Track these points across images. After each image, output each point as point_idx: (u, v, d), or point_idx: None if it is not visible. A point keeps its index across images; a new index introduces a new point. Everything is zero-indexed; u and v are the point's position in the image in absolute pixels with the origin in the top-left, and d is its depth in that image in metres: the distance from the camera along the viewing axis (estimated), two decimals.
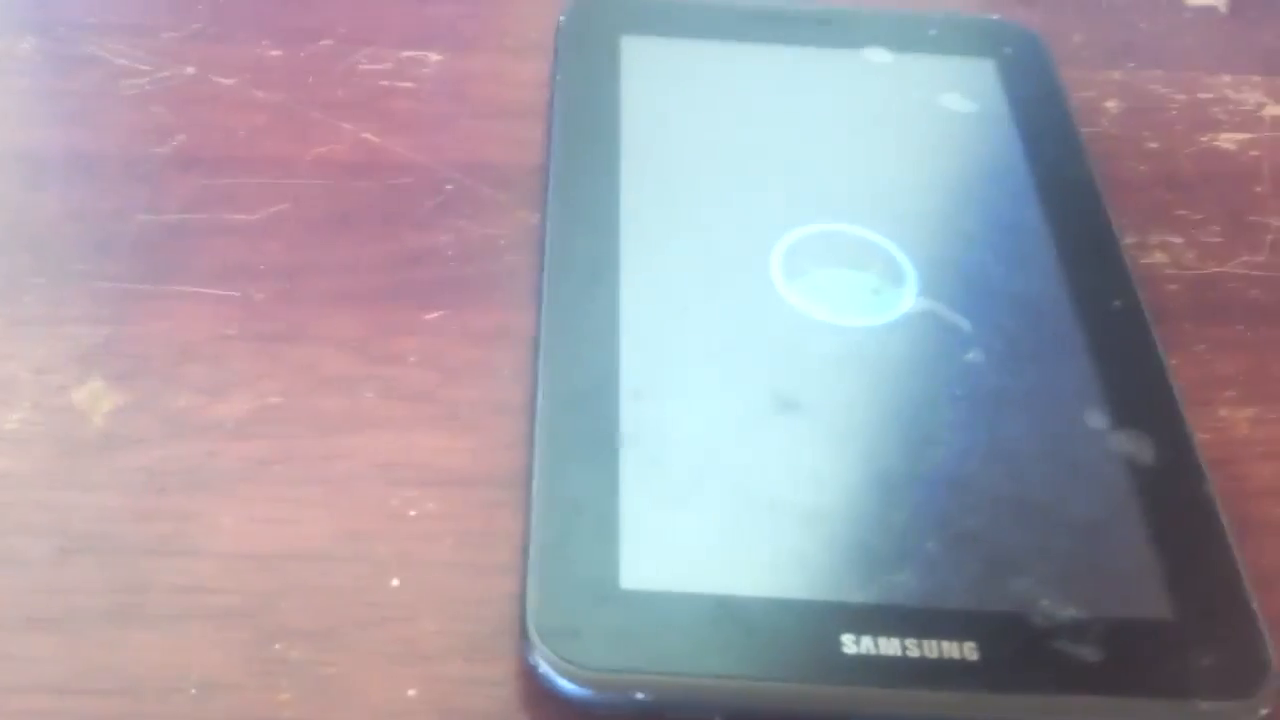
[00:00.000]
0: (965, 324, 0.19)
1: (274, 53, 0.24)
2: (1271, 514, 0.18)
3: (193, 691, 0.15)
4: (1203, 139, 0.25)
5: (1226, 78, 0.26)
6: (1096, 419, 0.17)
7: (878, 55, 0.24)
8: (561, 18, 0.24)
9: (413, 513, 0.17)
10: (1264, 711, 0.14)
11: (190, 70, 0.24)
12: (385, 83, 0.24)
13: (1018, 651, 0.15)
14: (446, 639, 0.16)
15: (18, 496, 0.17)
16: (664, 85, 0.23)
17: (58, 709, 0.15)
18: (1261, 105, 0.26)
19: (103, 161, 0.22)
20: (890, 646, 0.14)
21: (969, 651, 0.15)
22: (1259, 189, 0.24)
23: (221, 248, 0.21)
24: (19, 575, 0.16)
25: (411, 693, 0.15)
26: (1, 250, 0.20)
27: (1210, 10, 0.28)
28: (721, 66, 0.24)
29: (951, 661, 0.14)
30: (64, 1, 0.25)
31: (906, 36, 0.25)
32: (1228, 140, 0.25)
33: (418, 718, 0.15)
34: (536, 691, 0.15)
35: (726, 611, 0.15)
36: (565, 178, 0.21)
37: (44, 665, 0.15)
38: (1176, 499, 0.17)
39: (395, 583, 0.16)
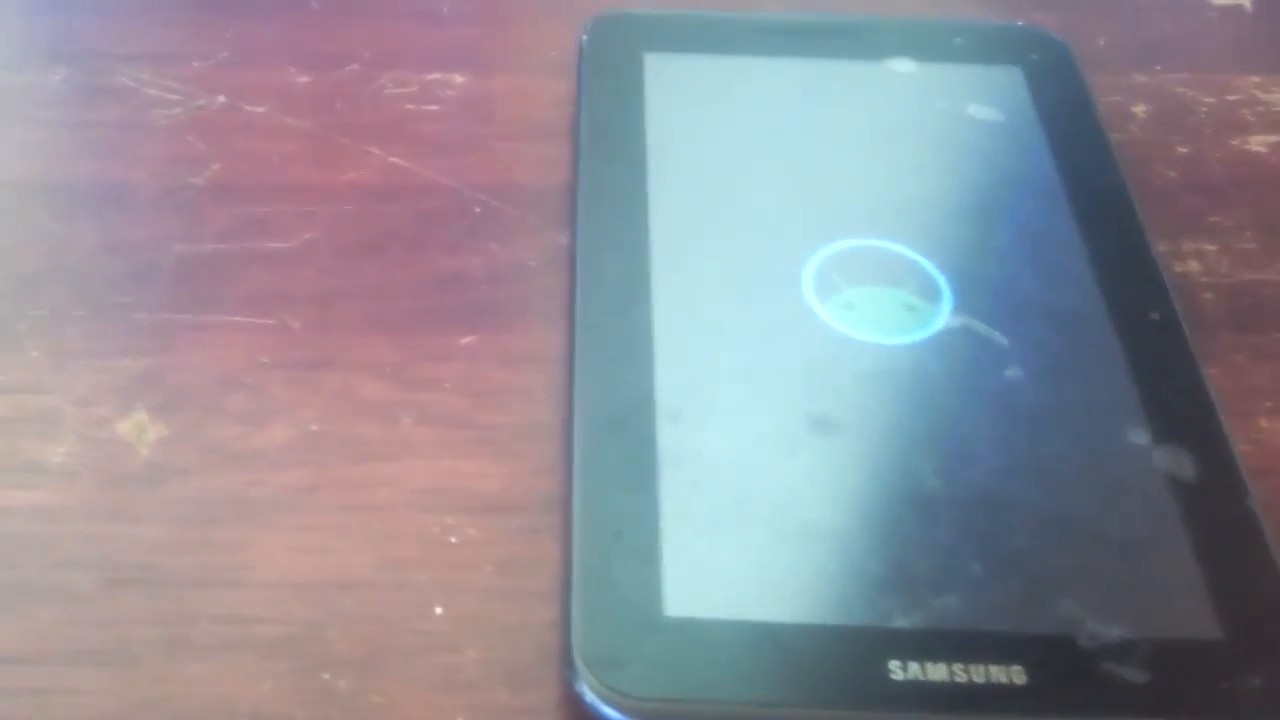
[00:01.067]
0: (1002, 339, 0.19)
1: (301, 79, 0.25)
2: None
3: None
4: (1233, 142, 0.24)
5: (1255, 78, 0.26)
6: (1137, 434, 0.17)
7: (902, 65, 0.24)
8: (584, 36, 0.24)
9: (453, 539, 0.17)
10: None
11: (221, 99, 0.24)
12: (411, 106, 0.24)
13: (1065, 674, 0.15)
14: (490, 667, 0.16)
15: (64, 530, 0.17)
16: (689, 102, 0.23)
17: None
18: None
19: (137, 192, 0.22)
20: (938, 672, 0.14)
21: (1016, 675, 0.14)
22: None
23: (257, 276, 0.21)
24: (68, 609, 0.16)
25: None
26: (40, 283, 0.20)
27: (1237, 9, 0.28)
28: (746, 81, 0.24)
29: (999, 686, 0.14)
30: (92, 32, 0.25)
31: (931, 46, 0.24)
32: (1259, 143, 0.25)
33: None
34: (582, 719, 0.15)
35: (771, 638, 0.15)
36: (593, 198, 0.21)
37: (97, 698, 0.15)
38: (1220, 514, 0.16)
39: (438, 610, 0.17)
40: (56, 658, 0.16)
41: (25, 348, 0.19)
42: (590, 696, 0.15)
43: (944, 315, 0.19)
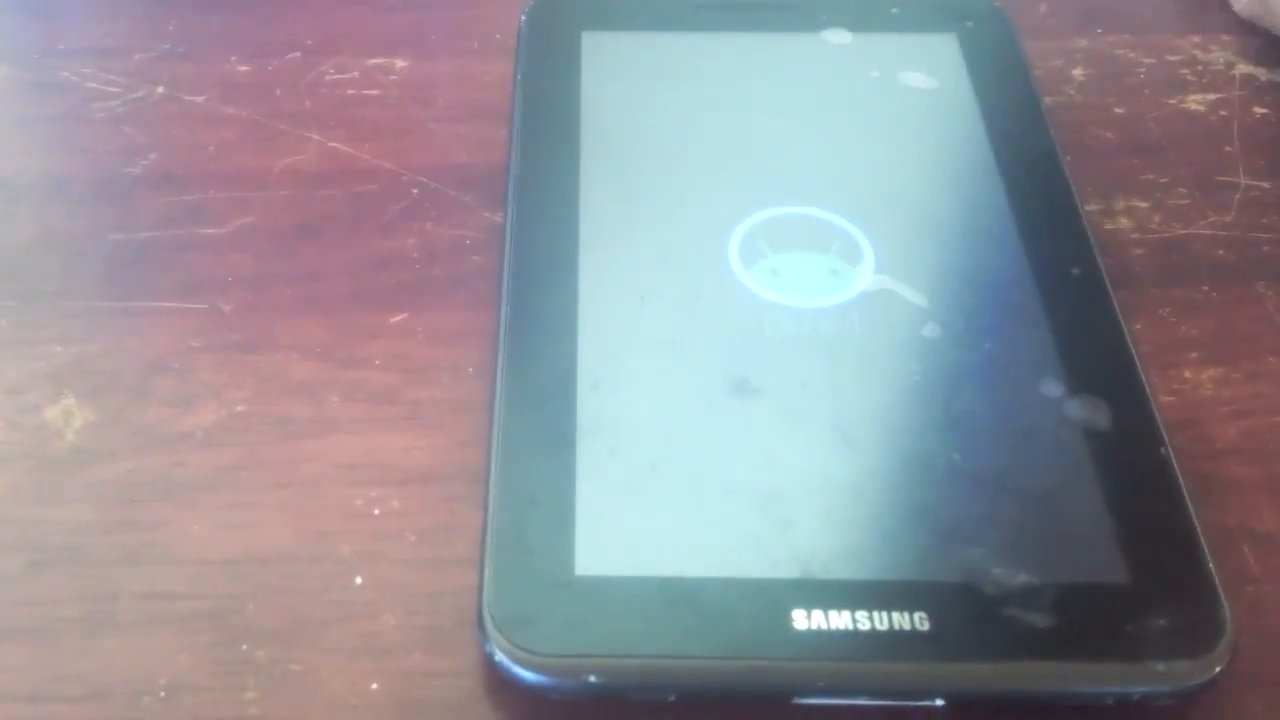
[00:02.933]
0: (921, 299, 0.19)
1: (242, 68, 0.25)
2: (1235, 473, 0.18)
3: (161, 694, 0.15)
4: (1171, 101, 0.24)
5: (1196, 38, 0.26)
6: (1052, 387, 0.17)
7: (837, 37, 0.24)
8: (522, 16, 0.24)
9: (376, 511, 0.17)
10: (1218, 669, 0.14)
11: (160, 90, 0.24)
12: (352, 91, 0.24)
13: (970, 619, 0.15)
14: (408, 633, 0.16)
15: None
16: (625, 78, 0.23)
17: (31, 715, 0.15)
18: (1232, 64, 0.25)
19: (75, 184, 0.22)
20: (840, 620, 0.15)
21: (920, 621, 0.14)
22: (1229, 149, 0.23)
23: (190, 263, 0.21)
24: None
25: (374, 686, 0.16)
26: None
27: None
28: (683, 57, 0.24)
29: (902, 633, 0.14)
30: (34, 30, 0.25)
31: (867, 16, 0.24)
32: (1197, 101, 0.24)
33: (379, 711, 0.15)
34: (496, 680, 0.15)
35: (678, 593, 0.15)
36: (525, 175, 0.21)
37: (14, 675, 0.16)
38: (1133, 463, 0.16)
39: (358, 580, 0.17)
40: None
41: None
42: (499, 655, 0.15)
43: (865, 278, 0.19)
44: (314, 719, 0.15)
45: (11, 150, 0.23)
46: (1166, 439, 0.17)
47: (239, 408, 0.19)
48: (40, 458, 0.18)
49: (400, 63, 0.25)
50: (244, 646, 0.16)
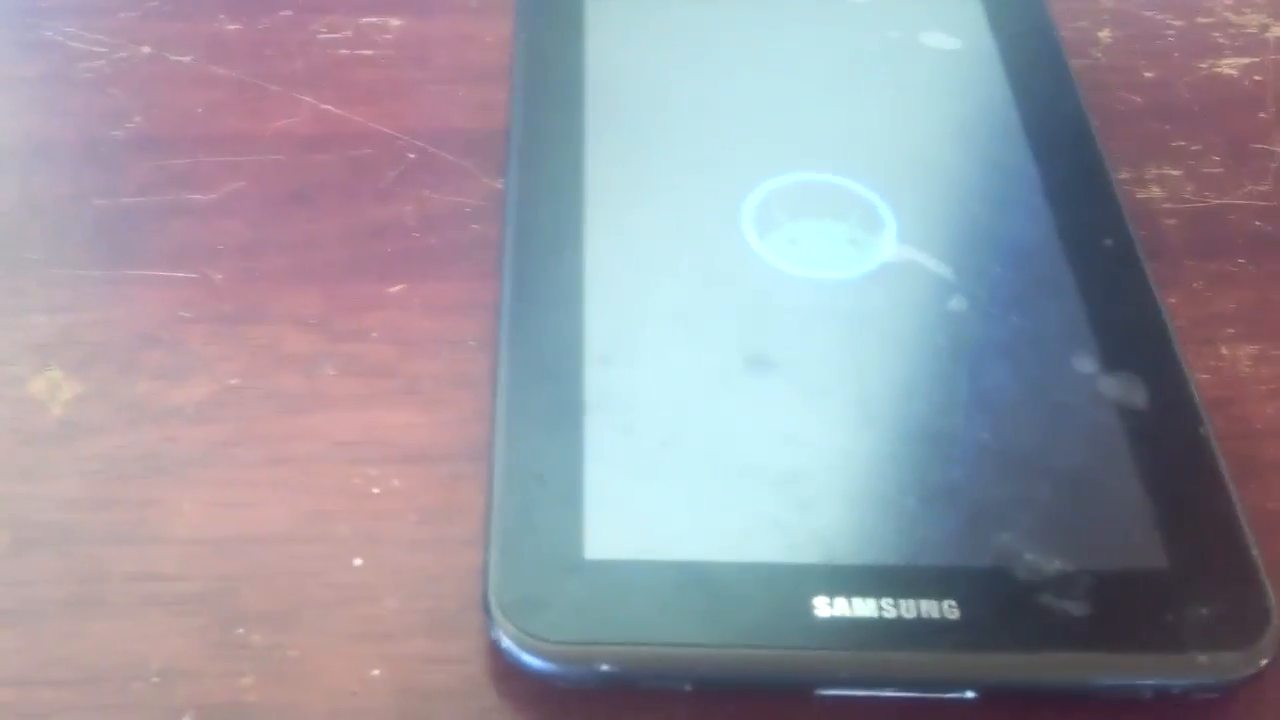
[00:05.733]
0: (947, 271, 0.18)
1: (231, 27, 0.24)
2: (1276, 455, 0.17)
3: (154, 679, 0.15)
4: (1202, 66, 0.23)
5: (1228, 0, 0.25)
6: (1085, 363, 0.17)
7: None
8: None
9: (375, 490, 0.17)
10: (1264, 662, 0.14)
11: (146, 49, 0.23)
12: (345, 51, 0.23)
13: (1001, 607, 0.14)
14: (410, 617, 0.15)
15: None
16: (631, 38, 0.22)
17: (17, 700, 0.15)
18: (1266, 27, 0.24)
19: (59, 147, 0.21)
20: (865, 607, 0.14)
21: (949, 610, 0.14)
22: (1263, 115, 0.22)
23: (179, 229, 0.20)
24: None
25: (375, 672, 0.15)
26: None
27: None
28: (693, 15, 0.23)
29: (930, 621, 0.14)
30: None
31: None
32: (1229, 66, 0.23)
33: (380, 698, 0.15)
34: (501, 667, 0.15)
35: (694, 578, 0.14)
36: (528, 140, 0.20)
37: (2, 658, 0.15)
38: (1170, 443, 0.16)
39: (358, 562, 0.16)
40: None
41: None
42: (506, 642, 0.14)
43: (888, 248, 0.18)
44: (312, 706, 0.15)
45: None
46: (1206, 418, 0.16)
47: (231, 381, 0.18)
48: (26, 432, 0.17)
49: (395, 21, 0.24)
50: (239, 630, 0.15)
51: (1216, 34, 0.24)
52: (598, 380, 0.17)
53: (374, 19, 0.24)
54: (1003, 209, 0.19)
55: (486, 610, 0.14)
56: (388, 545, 0.16)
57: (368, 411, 0.18)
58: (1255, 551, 0.14)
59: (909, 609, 0.14)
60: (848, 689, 0.14)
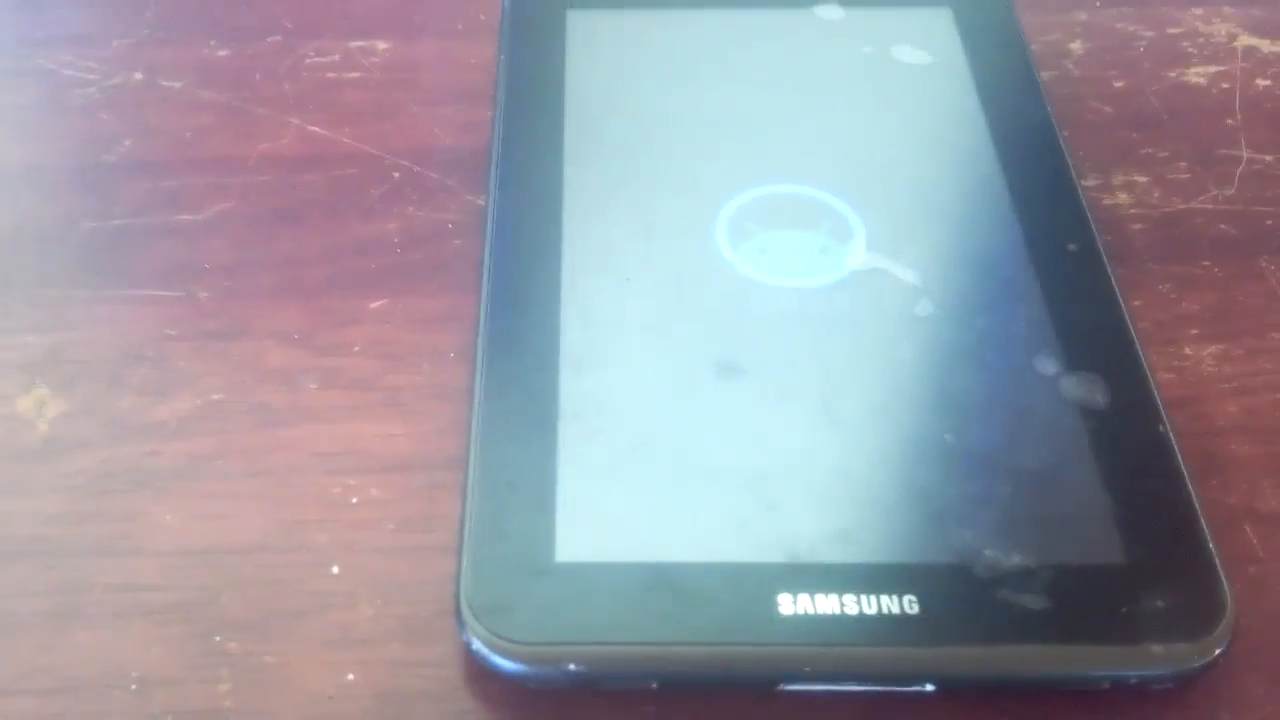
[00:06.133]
0: (914, 277, 0.18)
1: (221, 53, 0.24)
2: (1237, 451, 0.17)
3: (132, 687, 0.15)
4: (1171, 75, 0.24)
5: (1197, 10, 0.25)
6: (1047, 364, 0.17)
7: (829, 12, 0.24)
8: None
9: (354, 500, 0.17)
10: (1217, 652, 0.14)
11: (138, 76, 0.24)
12: (333, 74, 0.24)
13: (961, 602, 0.14)
14: (385, 623, 0.16)
15: None
16: (611, 57, 0.23)
17: None
18: (1234, 36, 0.25)
19: (51, 172, 0.22)
20: (827, 604, 0.14)
21: (909, 605, 0.14)
22: (1230, 122, 0.23)
23: (166, 249, 0.21)
24: None
25: (351, 677, 0.15)
26: None
27: None
28: (670, 34, 0.23)
29: (891, 616, 0.14)
30: (11, 18, 0.25)
31: None
32: (1198, 74, 0.24)
33: (356, 702, 0.15)
34: (474, 670, 0.15)
35: (661, 578, 0.14)
36: (508, 156, 0.21)
37: None
38: (1130, 441, 0.16)
39: (335, 570, 0.16)
40: None
41: None
42: (477, 644, 0.14)
43: (856, 257, 0.19)
44: (289, 711, 0.15)
45: None
46: (1165, 416, 0.16)
47: (215, 396, 0.18)
48: (12, 449, 0.18)
49: (382, 45, 0.25)
50: (217, 638, 0.15)
51: (1185, 44, 0.24)
52: (572, 388, 0.17)
53: (362, 42, 0.25)
54: (970, 218, 0.20)
55: (459, 615, 0.15)
56: (365, 553, 0.16)
57: (348, 424, 0.18)
58: (1212, 545, 0.15)
59: (870, 604, 0.14)
60: (811, 684, 0.14)
